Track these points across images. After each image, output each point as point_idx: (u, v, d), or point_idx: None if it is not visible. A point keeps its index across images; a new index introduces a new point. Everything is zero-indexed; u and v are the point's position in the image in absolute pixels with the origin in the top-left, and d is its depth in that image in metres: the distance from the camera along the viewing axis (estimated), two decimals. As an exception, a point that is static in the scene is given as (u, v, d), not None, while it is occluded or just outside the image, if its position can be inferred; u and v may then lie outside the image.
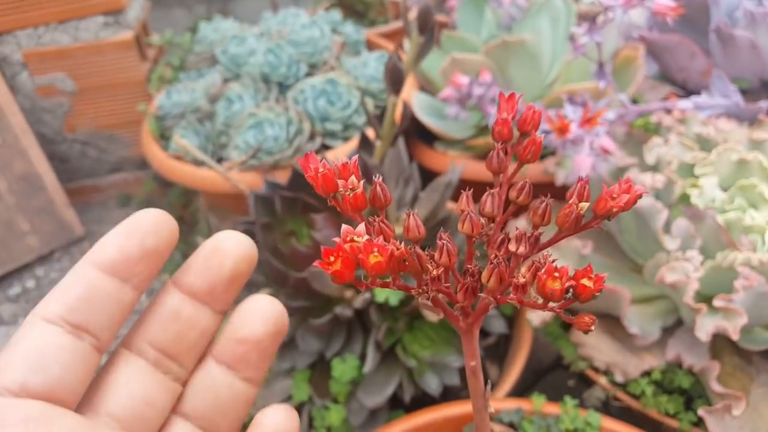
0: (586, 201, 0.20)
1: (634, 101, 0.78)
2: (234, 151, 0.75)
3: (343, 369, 0.52)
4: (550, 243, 0.21)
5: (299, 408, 0.55)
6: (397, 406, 0.56)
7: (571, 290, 0.19)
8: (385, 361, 0.54)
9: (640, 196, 0.20)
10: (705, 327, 0.45)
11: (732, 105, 0.74)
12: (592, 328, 0.20)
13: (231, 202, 0.81)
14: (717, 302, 0.45)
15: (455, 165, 0.57)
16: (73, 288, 0.21)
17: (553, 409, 0.48)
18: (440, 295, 0.21)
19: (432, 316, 0.53)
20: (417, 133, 0.83)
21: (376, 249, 0.19)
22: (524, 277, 0.20)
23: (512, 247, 0.20)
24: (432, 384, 0.53)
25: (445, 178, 0.54)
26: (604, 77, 0.64)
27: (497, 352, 0.61)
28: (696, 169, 0.57)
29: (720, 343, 0.52)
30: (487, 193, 0.22)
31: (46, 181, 0.95)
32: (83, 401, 0.22)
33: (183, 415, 0.23)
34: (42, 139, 1.03)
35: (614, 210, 0.20)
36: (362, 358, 0.54)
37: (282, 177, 0.69)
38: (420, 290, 0.21)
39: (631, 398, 0.51)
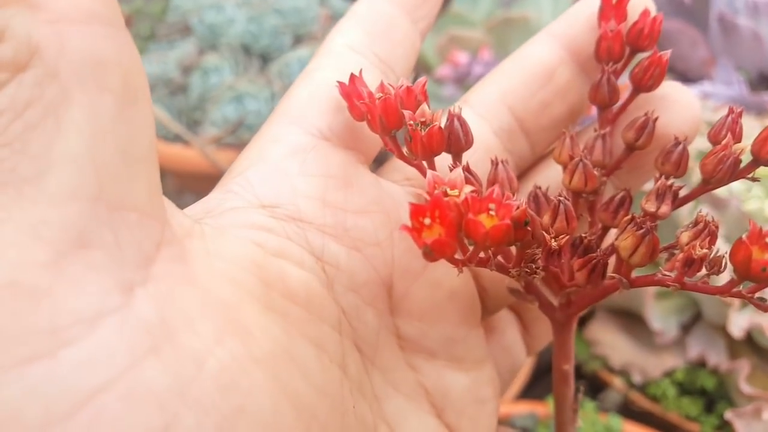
0: (738, 140, 0.16)
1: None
2: (211, 127, 0.69)
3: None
4: (689, 198, 0.16)
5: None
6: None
7: None
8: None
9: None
10: (738, 323, 0.42)
11: (737, 95, 0.72)
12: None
13: (205, 185, 0.74)
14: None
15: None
16: (375, 20, 0.18)
17: (569, 412, 0.44)
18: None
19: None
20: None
21: (493, 205, 0.13)
22: (702, 248, 0.14)
23: (650, 206, 0.15)
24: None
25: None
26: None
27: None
28: (712, 157, 0.54)
29: (736, 342, 0.49)
30: (595, 134, 0.17)
31: None
32: None
33: None
34: None
35: None
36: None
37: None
38: (523, 269, 0.14)
39: (650, 400, 0.47)
